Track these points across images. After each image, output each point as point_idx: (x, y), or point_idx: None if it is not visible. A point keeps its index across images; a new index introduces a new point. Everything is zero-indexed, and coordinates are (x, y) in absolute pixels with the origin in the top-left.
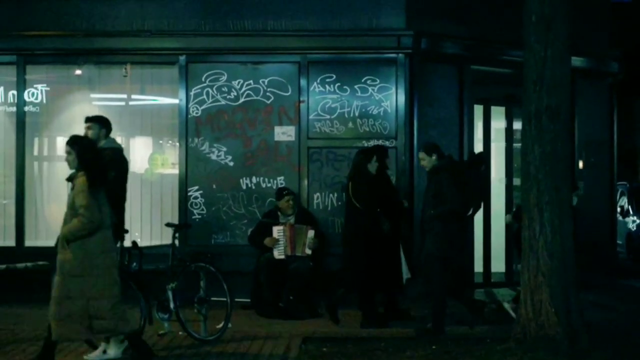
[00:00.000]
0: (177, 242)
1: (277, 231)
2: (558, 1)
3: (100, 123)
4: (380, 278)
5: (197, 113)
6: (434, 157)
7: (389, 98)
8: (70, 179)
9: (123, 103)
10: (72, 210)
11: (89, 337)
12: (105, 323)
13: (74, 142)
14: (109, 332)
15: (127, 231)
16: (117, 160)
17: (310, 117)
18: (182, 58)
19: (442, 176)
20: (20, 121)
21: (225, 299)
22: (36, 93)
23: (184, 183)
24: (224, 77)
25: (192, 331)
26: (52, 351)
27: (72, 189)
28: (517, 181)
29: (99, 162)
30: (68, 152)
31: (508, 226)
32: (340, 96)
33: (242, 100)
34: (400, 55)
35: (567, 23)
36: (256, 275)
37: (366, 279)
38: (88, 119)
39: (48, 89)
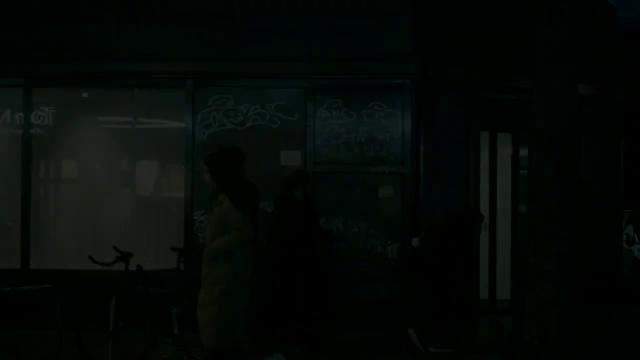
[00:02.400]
0: (182, 266)
1: None
2: (566, 29)
3: None
4: (297, 305)
5: (203, 137)
6: None
7: (395, 123)
8: (213, 196)
9: (129, 126)
10: (218, 225)
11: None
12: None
13: (207, 162)
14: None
15: None
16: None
17: (317, 142)
18: (189, 82)
19: None
20: (27, 144)
21: None
22: (43, 116)
23: (190, 207)
24: (231, 102)
25: (196, 355)
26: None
27: (217, 205)
28: (522, 208)
29: (234, 181)
30: (205, 170)
31: (514, 252)
32: (347, 121)
33: (248, 124)
34: (406, 81)
35: (574, 51)
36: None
37: (284, 305)
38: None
39: (54, 111)
